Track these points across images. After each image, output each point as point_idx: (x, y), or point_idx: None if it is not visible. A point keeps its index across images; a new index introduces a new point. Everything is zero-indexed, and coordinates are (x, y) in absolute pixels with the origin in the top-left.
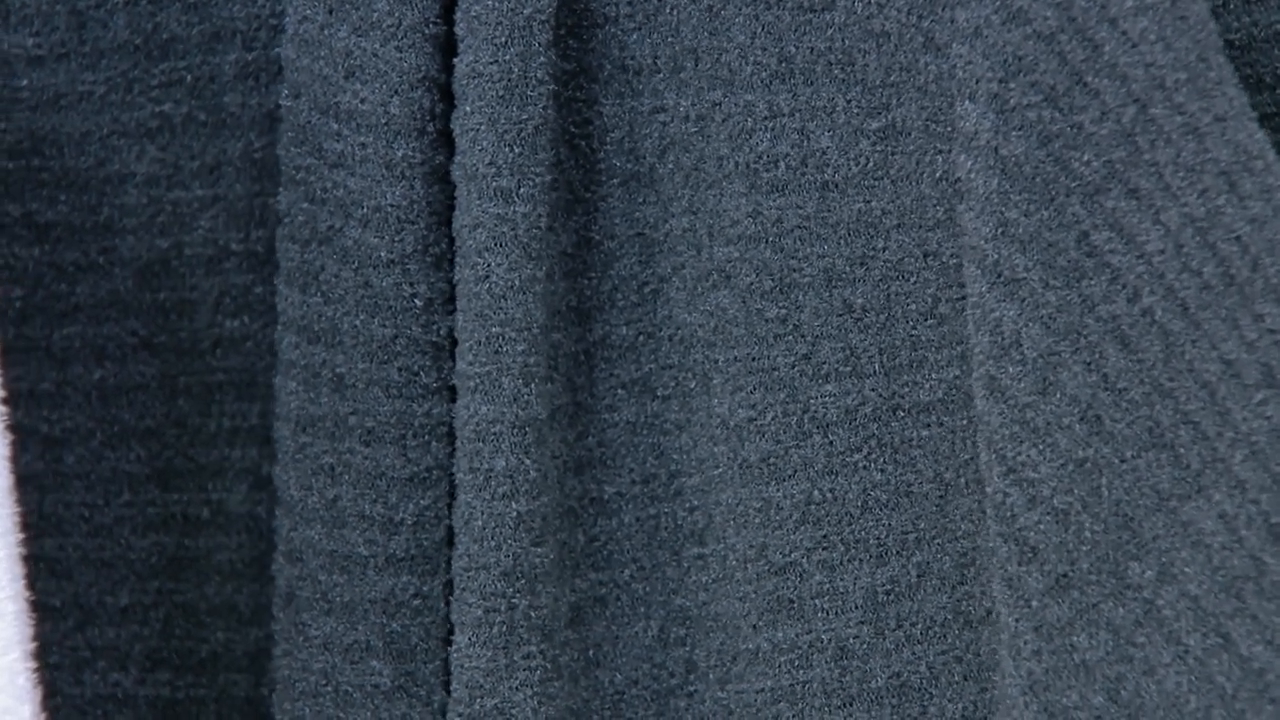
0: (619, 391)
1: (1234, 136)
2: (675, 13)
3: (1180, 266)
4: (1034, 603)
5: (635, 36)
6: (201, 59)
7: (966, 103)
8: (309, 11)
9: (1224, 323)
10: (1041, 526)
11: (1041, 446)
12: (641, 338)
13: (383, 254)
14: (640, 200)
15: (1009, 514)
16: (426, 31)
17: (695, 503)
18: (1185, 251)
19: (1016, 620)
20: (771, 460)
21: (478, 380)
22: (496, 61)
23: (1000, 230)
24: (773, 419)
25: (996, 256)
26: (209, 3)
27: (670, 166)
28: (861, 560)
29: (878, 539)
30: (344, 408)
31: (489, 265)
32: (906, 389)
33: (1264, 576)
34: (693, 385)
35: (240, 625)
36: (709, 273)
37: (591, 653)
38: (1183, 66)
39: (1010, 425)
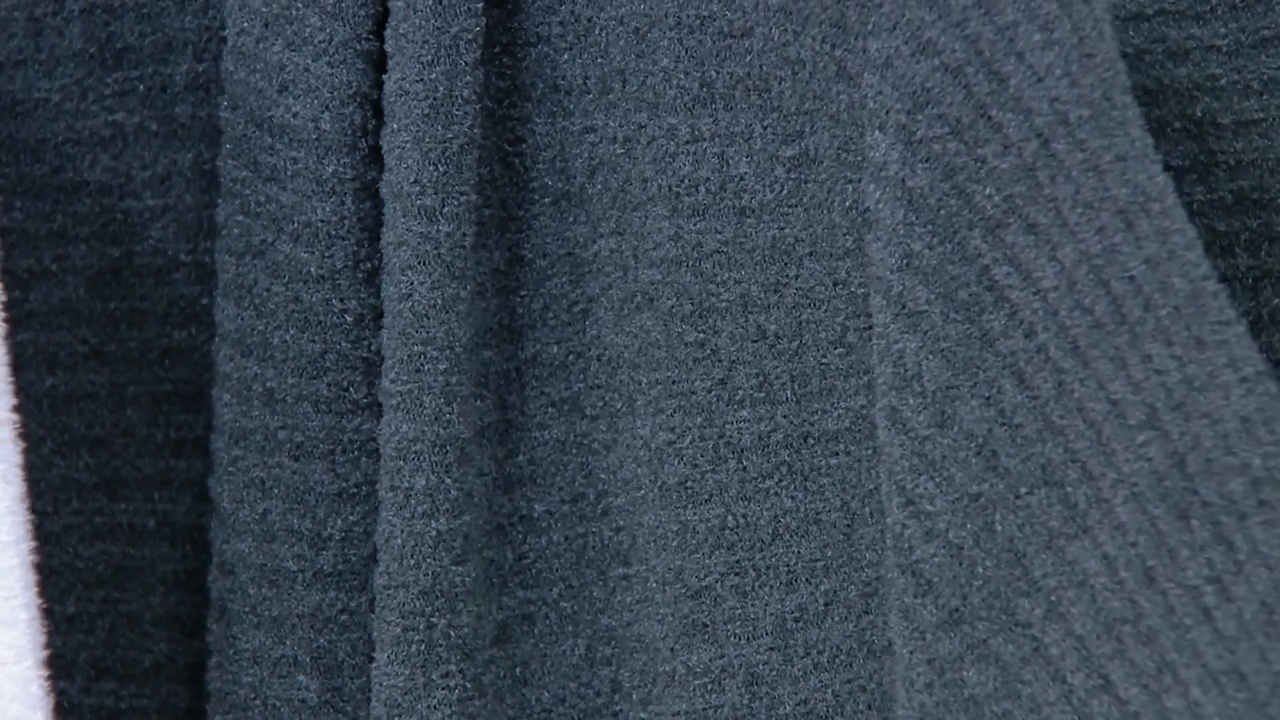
0: (549, 410)
1: (1134, 176)
2: (605, 34)
3: (1073, 304)
4: (927, 635)
5: (567, 56)
6: (154, 69)
7: (876, 133)
8: (246, 25)
9: (1112, 362)
10: (937, 560)
11: (939, 480)
12: (571, 357)
13: (313, 269)
14: (570, 220)
15: (906, 546)
16: (358, 47)
17: (621, 523)
18: (1079, 289)
19: (910, 652)
20: (688, 484)
21: (399, 398)
22: (422, 80)
23: (905, 262)
24: (690, 443)
25: (900, 288)
26: (162, 13)
27: (599, 187)
28: (772, 587)
29: (787, 566)
30: (274, 422)
31: (412, 283)
32: (816, 417)
33: (1140, 620)
34: (619, 406)
35: (183, 636)
36: (634, 295)
37: (519, 671)
38: (1087, 103)
39: (909, 457)
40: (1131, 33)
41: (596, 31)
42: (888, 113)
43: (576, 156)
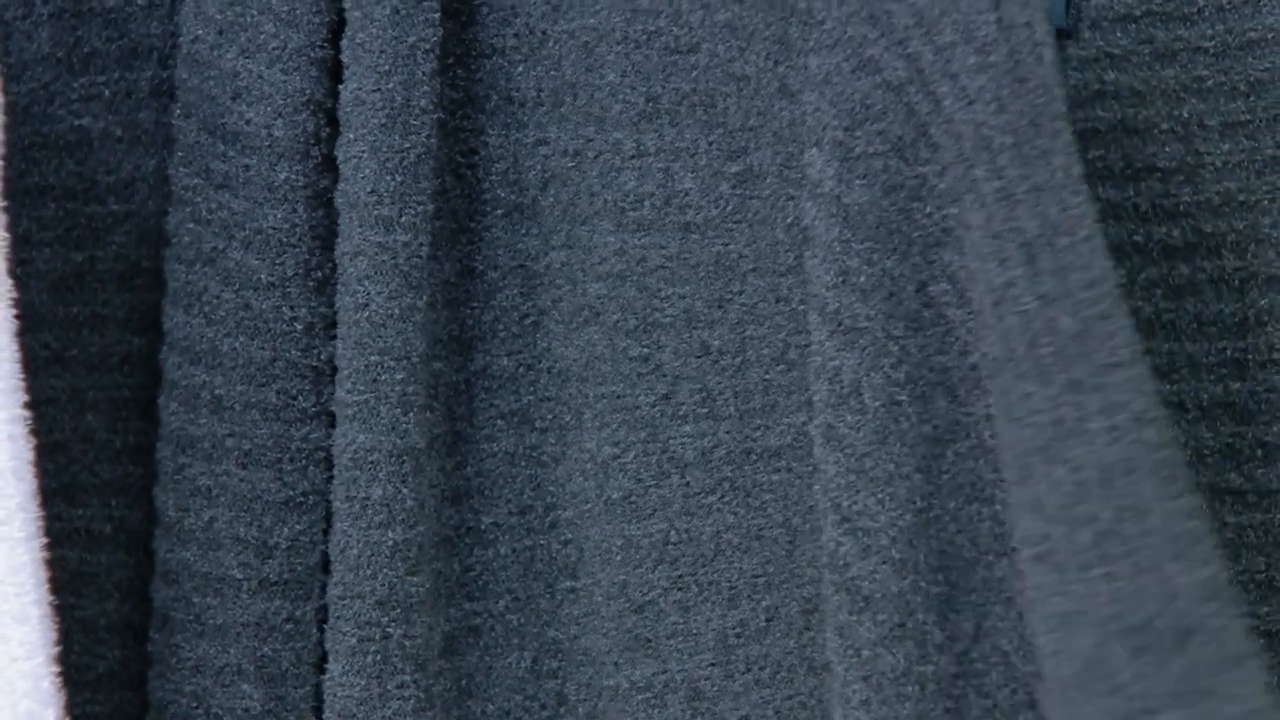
0: (498, 422)
1: (1046, 209)
2: (558, 47)
3: (983, 333)
4: (864, 653)
5: (521, 69)
6: (119, 74)
7: (813, 150)
8: (200, 32)
9: (1007, 394)
10: (876, 577)
11: (879, 496)
12: (521, 369)
13: (263, 276)
14: (523, 232)
15: (842, 563)
16: (312, 55)
17: (569, 536)
18: (983, 320)
19: (846, 669)
20: (632, 499)
21: (356, 408)
22: (380, 90)
23: (841, 279)
24: (634, 458)
25: (837, 305)
26: (129, 19)
27: (551, 200)
28: (714, 602)
29: (729, 581)
30: (222, 429)
31: (369, 293)
32: (758, 433)
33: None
34: (568, 419)
35: (136, 643)
36: (581, 308)
37: (464, 682)
38: (1011, 130)
39: (847, 474)
40: (1119, 34)
41: (550, 44)
42: (825, 129)
43: (529, 169)
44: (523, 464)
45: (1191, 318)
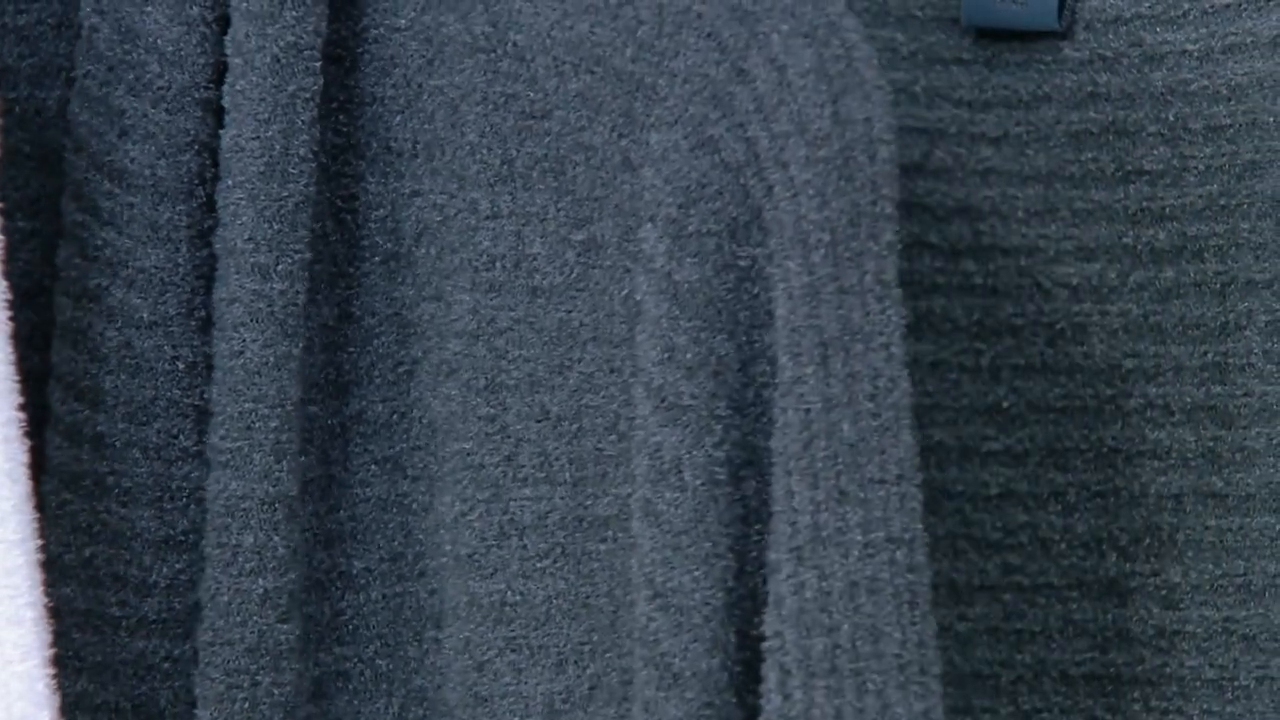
0: (372, 468)
1: (847, 312)
2: (430, 101)
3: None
4: None
5: (399, 119)
6: (29, 92)
7: (648, 225)
8: (90, 68)
9: (778, 488)
10: (689, 654)
11: (696, 574)
12: (395, 416)
13: (144, 315)
14: (399, 280)
15: (653, 638)
16: (196, 95)
17: (435, 585)
18: (786, 414)
19: None
20: (475, 557)
21: (229, 455)
22: (258, 138)
23: (668, 355)
24: (478, 516)
25: (662, 381)
26: (39, 37)
27: (425, 251)
28: (543, 666)
29: (558, 647)
30: (103, 467)
31: (244, 341)
32: (590, 501)
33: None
34: (435, 470)
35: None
36: (443, 363)
37: None
38: (828, 227)
39: (663, 550)
40: (1111, 36)
41: (424, 98)
42: (660, 205)
43: (406, 219)
44: (394, 510)
45: (1176, 321)
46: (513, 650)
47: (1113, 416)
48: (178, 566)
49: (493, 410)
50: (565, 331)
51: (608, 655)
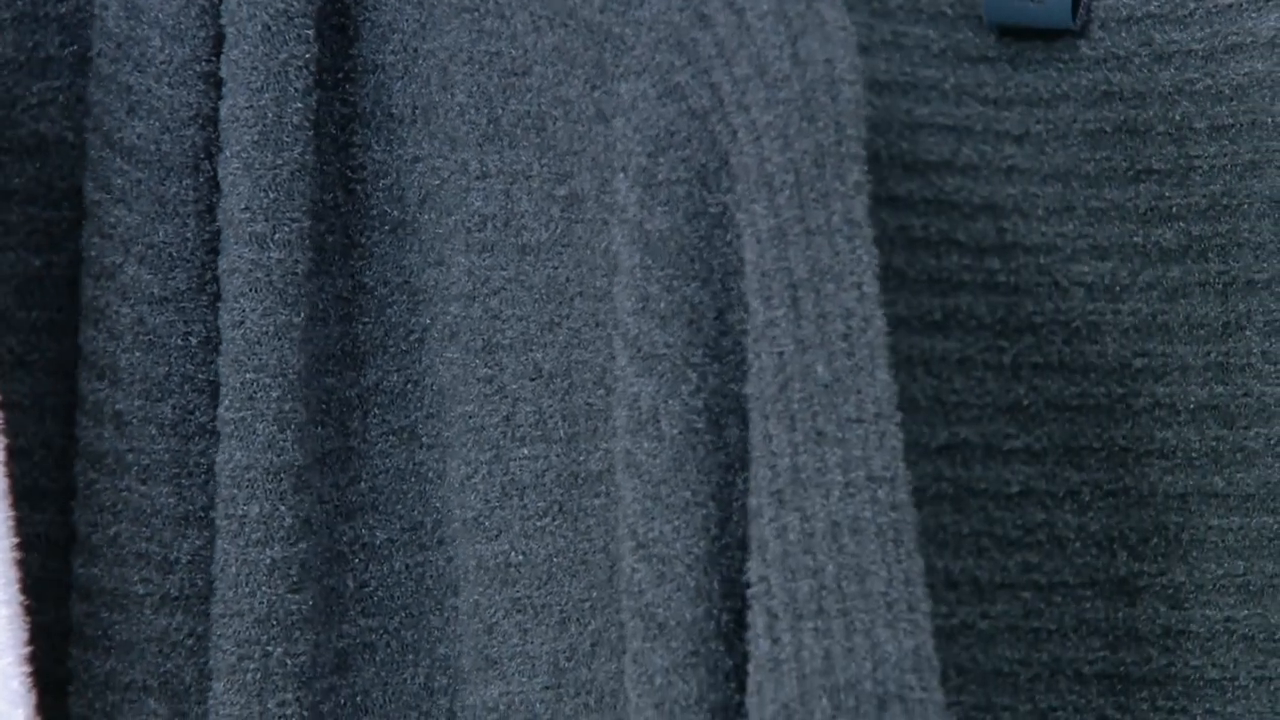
0: (390, 438)
1: (816, 252)
2: (424, 65)
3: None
4: (657, 679)
5: (398, 85)
6: (72, 80)
7: (620, 175)
8: (103, 47)
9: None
10: (672, 603)
11: (676, 523)
12: (409, 385)
13: (155, 291)
14: (407, 248)
15: (638, 589)
16: (198, 69)
17: (452, 553)
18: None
19: (639, 695)
20: (481, 519)
21: (233, 426)
22: (252, 107)
23: (642, 305)
24: (482, 479)
25: (637, 331)
26: (80, 24)
27: (429, 216)
28: (548, 625)
29: (560, 605)
30: (123, 445)
31: (244, 311)
32: (582, 457)
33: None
34: (447, 437)
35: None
36: (446, 327)
37: (360, 699)
38: (792, 169)
39: (644, 501)
40: (1124, 35)
41: (419, 62)
42: (630, 155)
43: (409, 185)
44: (412, 480)
45: (1182, 320)
46: (519, 611)
47: (1124, 415)
48: (198, 543)
49: (490, 371)
50: (553, 288)
51: (606, 611)
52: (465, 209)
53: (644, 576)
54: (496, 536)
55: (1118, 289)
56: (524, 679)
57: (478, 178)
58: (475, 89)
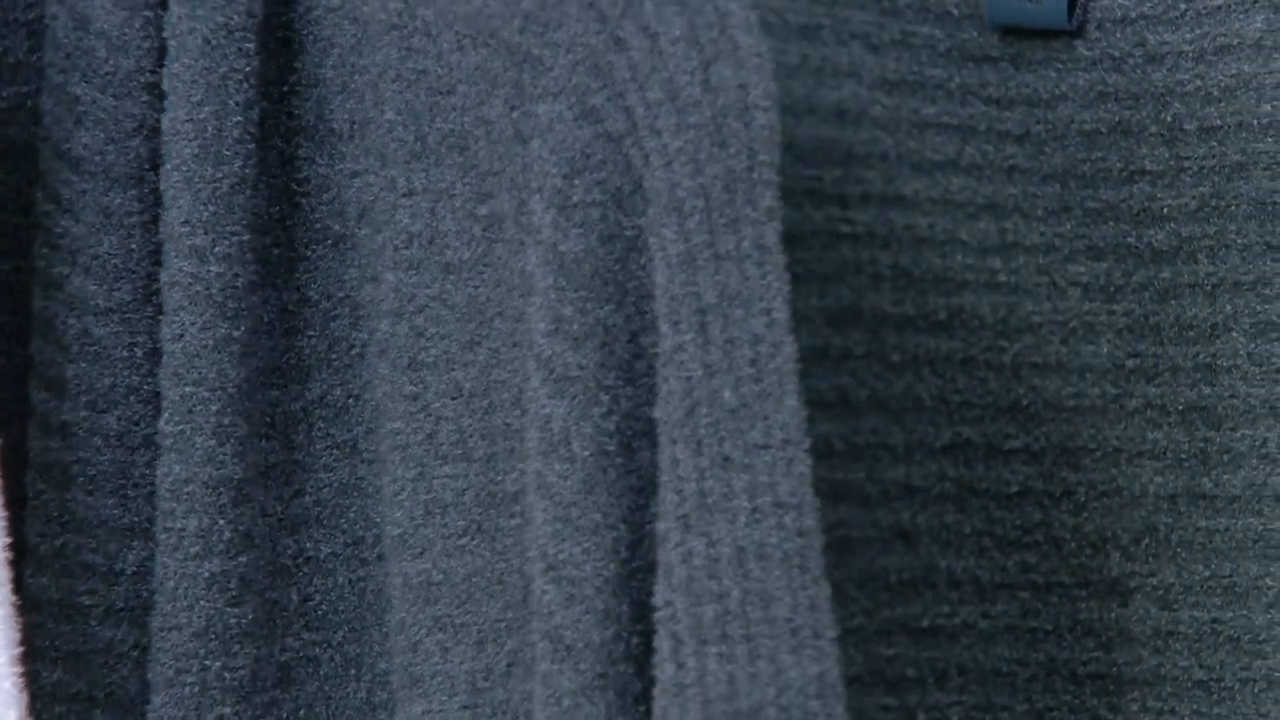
0: (333, 452)
1: (724, 278)
2: (360, 80)
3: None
4: (565, 701)
5: (338, 100)
6: (37, 86)
7: (535, 197)
8: (53, 56)
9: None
10: (580, 626)
11: (586, 545)
12: (351, 400)
13: (100, 302)
14: (348, 263)
15: (547, 611)
16: (142, 80)
17: (389, 568)
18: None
19: (547, 717)
20: (405, 537)
21: (173, 439)
22: (191, 120)
23: (555, 327)
24: (407, 495)
25: (550, 353)
26: (47, 30)
27: (365, 232)
28: (465, 645)
29: (478, 625)
30: (68, 456)
31: (184, 324)
32: (500, 477)
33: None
34: (384, 452)
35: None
36: (378, 343)
37: (303, 713)
38: (702, 194)
39: (554, 523)
40: (1118, 35)
41: (356, 78)
42: (546, 177)
43: (349, 200)
44: (354, 494)
45: (1173, 321)
46: (439, 630)
47: (1117, 416)
48: (143, 554)
49: (415, 389)
50: (474, 307)
51: (521, 632)
52: (393, 226)
53: (553, 598)
54: (420, 554)
55: (1112, 289)
56: (444, 698)
57: (405, 195)
58: (403, 106)
